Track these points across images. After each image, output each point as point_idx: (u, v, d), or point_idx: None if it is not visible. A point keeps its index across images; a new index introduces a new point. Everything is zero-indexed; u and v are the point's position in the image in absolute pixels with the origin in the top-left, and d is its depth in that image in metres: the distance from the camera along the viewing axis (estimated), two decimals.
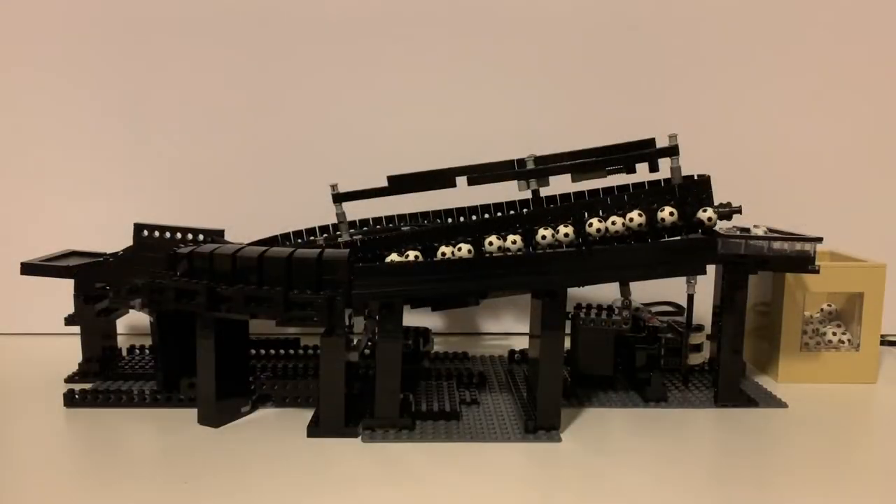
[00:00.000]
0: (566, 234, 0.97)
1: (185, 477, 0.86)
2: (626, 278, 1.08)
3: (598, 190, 1.15)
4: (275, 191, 1.43)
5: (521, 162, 1.08)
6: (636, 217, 0.99)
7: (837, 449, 0.97)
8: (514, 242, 0.98)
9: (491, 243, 0.98)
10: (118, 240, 1.23)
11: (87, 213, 1.43)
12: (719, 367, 1.10)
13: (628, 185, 1.13)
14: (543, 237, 0.98)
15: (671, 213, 0.99)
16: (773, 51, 1.43)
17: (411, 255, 0.98)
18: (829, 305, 1.29)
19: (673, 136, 1.03)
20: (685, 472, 0.89)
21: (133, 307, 1.10)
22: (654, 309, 1.30)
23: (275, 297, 0.94)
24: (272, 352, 1.27)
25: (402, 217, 1.22)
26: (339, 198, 1.08)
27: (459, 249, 0.98)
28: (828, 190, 1.46)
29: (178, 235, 1.18)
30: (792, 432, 1.01)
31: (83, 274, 1.17)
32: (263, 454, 0.92)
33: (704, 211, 1.00)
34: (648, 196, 1.00)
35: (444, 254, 0.99)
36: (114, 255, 1.20)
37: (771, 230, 1.14)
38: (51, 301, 1.30)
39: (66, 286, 1.18)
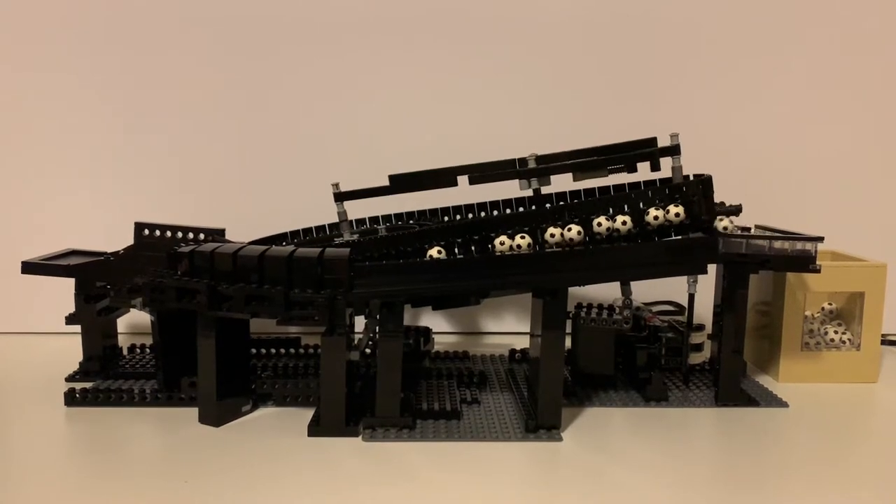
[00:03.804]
0: (579, 233, 0.97)
1: (185, 476, 0.86)
2: (627, 277, 1.09)
3: (595, 189, 1.15)
4: (276, 190, 1.43)
5: (523, 161, 1.08)
6: (635, 217, 0.99)
7: (838, 448, 0.97)
8: (523, 239, 0.98)
9: (503, 242, 0.98)
10: (119, 239, 1.23)
11: (88, 212, 1.43)
12: (720, 367, 1.10)
13: (625, 184, 1.13)
14: (553, 235, 0.98)
15: (677, 214, 0.99)
16: (773, 50, 1.43)
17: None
18: (830, 305, 1.29)
19: (674, 136, 1.03)
20: (686, 471, 0.89)
21: (134, 306, 1.10)
22: (655, 308, 1.30)
23: (275, 297, 0.94)
24: (273, 351, 1.28)
25: (407, 215, 1.22)
26: (341, 197, 1.08)
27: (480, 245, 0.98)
28: (829, 189, 1.46)
29: (179, 234, 1.18)
30: (792, 432, 1.01)
31: (84, 273, 1.17)
32: (264, 453, 0.92)
33: (720, 220, 1.01)
34: (653, 195, 1.00)
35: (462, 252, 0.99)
36: (114, 253, 1.20)
37: (768, 228, 1.15)
38: (51, 300, 1.30)
39: (67, 285, 1.18)
